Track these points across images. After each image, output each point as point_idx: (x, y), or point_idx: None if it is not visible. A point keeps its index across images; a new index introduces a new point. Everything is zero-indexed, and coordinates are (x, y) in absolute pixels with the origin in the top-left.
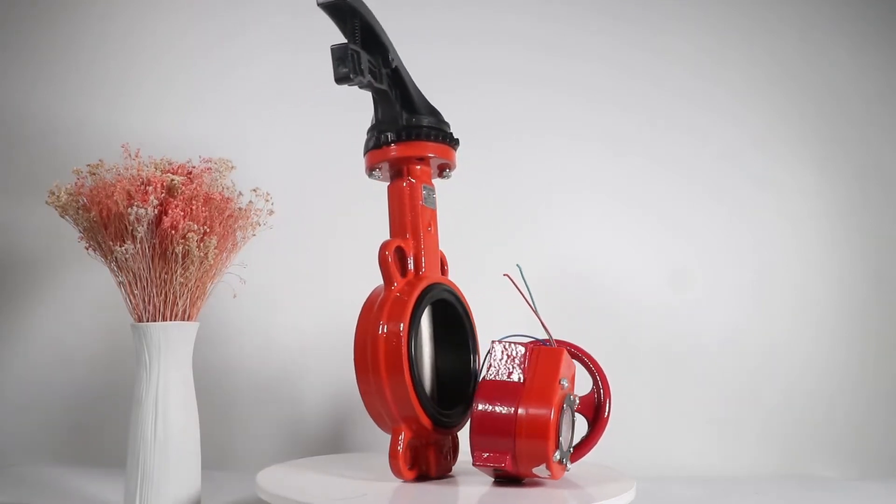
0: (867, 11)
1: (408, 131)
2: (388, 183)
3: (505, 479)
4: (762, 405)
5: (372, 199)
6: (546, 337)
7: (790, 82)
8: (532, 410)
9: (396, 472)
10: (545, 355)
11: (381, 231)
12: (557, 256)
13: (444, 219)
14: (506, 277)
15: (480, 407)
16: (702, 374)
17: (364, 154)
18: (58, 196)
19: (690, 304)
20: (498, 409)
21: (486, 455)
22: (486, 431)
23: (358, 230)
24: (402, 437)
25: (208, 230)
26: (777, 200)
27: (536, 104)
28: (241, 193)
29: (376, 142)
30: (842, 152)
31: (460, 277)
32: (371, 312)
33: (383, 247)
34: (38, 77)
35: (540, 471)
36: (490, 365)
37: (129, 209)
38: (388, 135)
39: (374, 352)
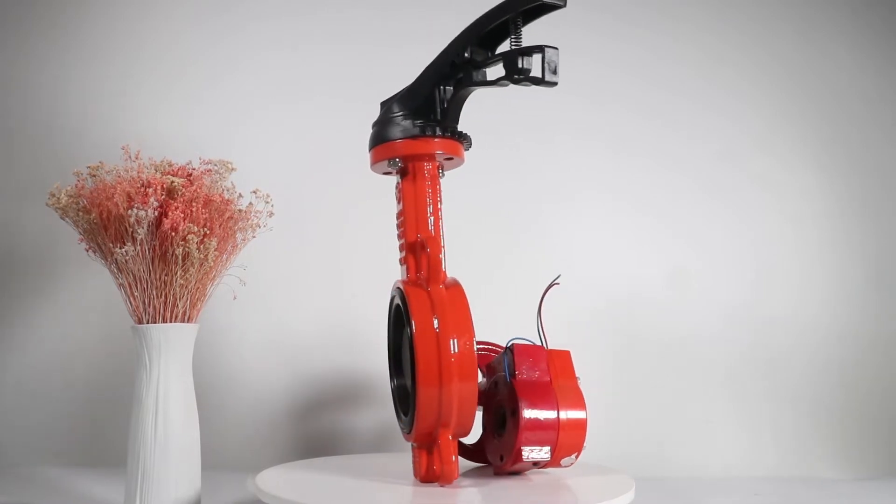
0: (867, 11)
1: (451, 129)
2: (407, 178)
3: (505, 474)
4: (763, 405)
5: (372, 200)
6: (541, 340)
7: (790, 82)
8: (571, 408)
9: (450, 476)
10: (557, 356)
11: (380, 231)
12: (558, 256)
13: (446, 219)
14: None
15: (528, 408)
16: (701, 374)
17: (393, 139)
18: (58, 198)
19: (689, 304)
20: (541, 408)
21: (531, 452)
22: (534, 429)
23: (358, 231)
24: (449, 440)
25: (208, 232)
26: (777, 200)
27: (536, 105)
28: (241, 195)
29: (418, 132)
30: (842, 152)
31: (460, 277)
32: (430, 315)
33: (433, 243)
34: (38, 78)
35: (568, 461)
36: (517, 366)
37: (130, 211)
38: (436, 128)
39: (447, 358)
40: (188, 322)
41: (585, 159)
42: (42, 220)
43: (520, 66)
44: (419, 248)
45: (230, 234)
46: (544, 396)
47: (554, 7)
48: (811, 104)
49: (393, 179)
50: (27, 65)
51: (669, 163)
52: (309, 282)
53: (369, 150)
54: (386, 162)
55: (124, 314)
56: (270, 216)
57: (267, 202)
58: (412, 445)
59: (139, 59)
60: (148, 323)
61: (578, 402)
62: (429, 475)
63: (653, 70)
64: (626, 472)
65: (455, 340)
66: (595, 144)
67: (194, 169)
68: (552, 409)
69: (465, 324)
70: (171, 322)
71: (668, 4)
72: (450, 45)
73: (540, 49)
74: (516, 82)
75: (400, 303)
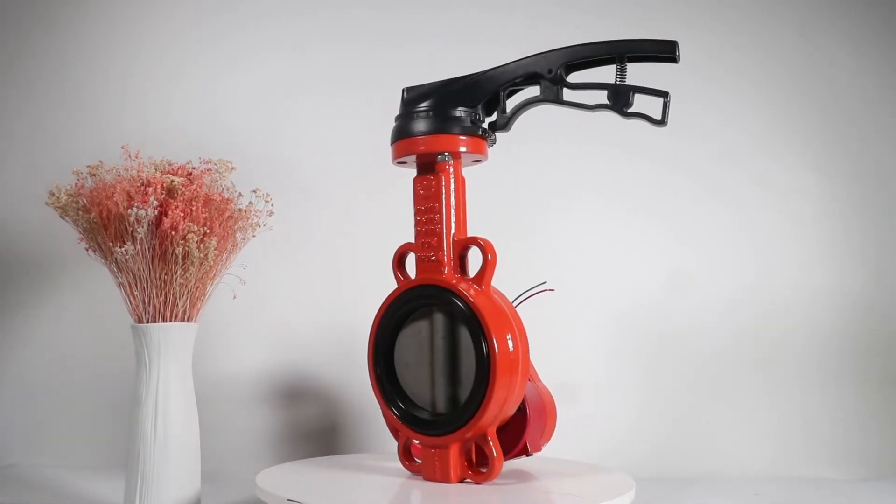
0: (867, 11)
1: (494, 133)
2: (447, 174)
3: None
4: (762, 406)
5: (371, 200)
6: None
7: (790, 82)
8: (550, 401)
9: (500, 470)
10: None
11: (380, 231)
12: (558, 257)
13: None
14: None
15: (532, 404)
16: (701, 374)
17: (449, 134)
18: (58, 197)
19: (689, 305)
20: (538, 404)
21: (534, 443)
22: (537, 423)
23: (358, 230)
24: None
25: (208, 231)
26: (777, 200)
27: (535, 106)
28: (240, 194)
29: (481, 132)
30: (842, 152)
31: None
32: (510, 317)
33: (490, 245)
34: (38, 77)
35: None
36: None
37: (129, 210)
38: (492, 131)
39: (515, 353)
40: (188, 321)
41: (584, 159)
42: (42, 219)
43: (632, 101)
44: (463, 248)
45: (230, 234)
46: (536, 392)
47: (667, 60)
48: (811, 104)
49: (402, 175)
50: (27, 64)
51: (669, 163)
52: (309, 282)
53: (415, 136)
54: (436, 155)
55: (124, 313)
56: (270, 216)
57: (267, 202)
58: (421, 448)
59: (139, 59)
60: (148, 322)
61: (550, 395)
62: (466, 473)
63: (652, 70)
64: (626, 472)
65: (518, 338)
66: (593, 145)
67: (194, 168)
68: (541, 403)
69: (520, 323)
70: (170, 321)
71: (667, 5)
72: (534, 58)
73: (664, 94)
74: (625, 116)
75: (452, 301)
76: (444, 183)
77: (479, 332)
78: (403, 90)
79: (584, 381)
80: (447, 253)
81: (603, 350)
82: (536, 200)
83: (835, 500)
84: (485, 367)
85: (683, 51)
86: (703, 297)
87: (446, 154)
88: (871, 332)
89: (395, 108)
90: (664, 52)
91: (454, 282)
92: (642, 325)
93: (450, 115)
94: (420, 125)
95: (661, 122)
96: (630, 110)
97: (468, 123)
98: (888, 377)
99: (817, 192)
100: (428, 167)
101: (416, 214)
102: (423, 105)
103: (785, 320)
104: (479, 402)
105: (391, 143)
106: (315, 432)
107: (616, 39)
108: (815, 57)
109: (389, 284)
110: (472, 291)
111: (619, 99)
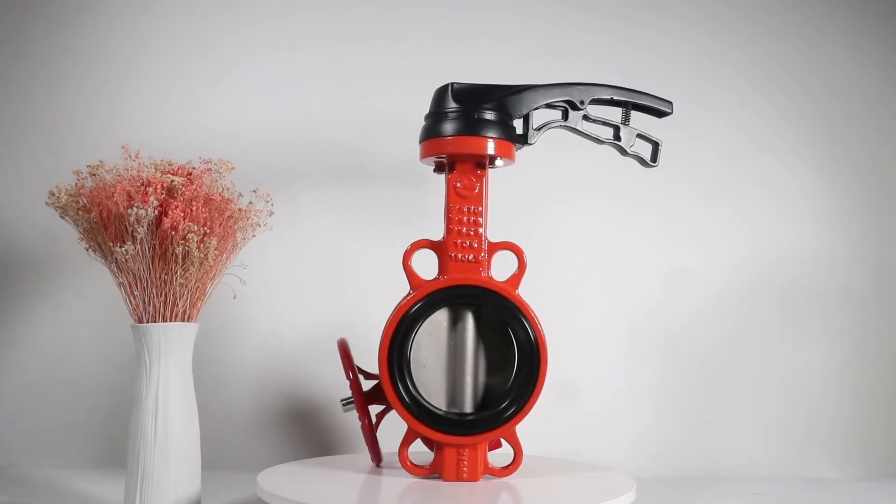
0: (867, 11)
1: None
2: (485, 178)
3: None
4: (762, 406)
5: (372, 199)
6: None
7: (790, 82)
8: None
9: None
10: None
11: (380, 232)
12: (557, 257)
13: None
14: None
15: None
16: (700, 375)
17: (498, 138)
18: (58, 197)
19: (688, 305)
20: None
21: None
22: None
23: (357, 231)
24: None
25: (208, 231)
26: (777, 200)
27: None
28: (241, 194)
29: (514, 139)
30: (842, 152)
31: None
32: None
33: (520, 249)
34: (38, 77)
35: None
36: None
37: (130, 210)
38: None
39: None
40: (188, 321)
41: (583, 159)
42: (42, 219)
43: (633, 142)
44: (496, 251)
45: (230, 234)
46: None
47: (661, 114)
48: (811, 104)
49: (403, 175)
50: (27, 64)
51: (669, 163)
52: (309, 282)
53: (468, 134)
54: (489, 160)
55: (124, 313)
56: (270, 216)
57: (267, 202)
58: (437, 446)
59: (139, 59)
60: (148, 322)
61: None
62: (489, 469)
63: (651, 70)
64: (626, 472)
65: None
66: (592, 145)
67: (194, 168)
68: None
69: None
70: (171, 321)
71: (667, 5)
72: (568, 86)
73: (657, 143)
74: (624, 154)
75: (497, 303)
76: (485, 185)
77: (532, 333)
78: (449, 85)
79: (583, 382)
80: (486, 254)
81: (602, 350)
82: (535, 201)
83: (835, 499)
84: (536, 367)
85: (684, 49)
86: (702, 297)
87: (502, 158)
88: (872, 333)
89: (395, 108)
90: (661, 107)
91: (502, 284)
92: (642, 326)
93: (509, 122)
94: (482, 127)
95: (653, 164)
96: (630, 149)
97: (518, 131)
98: (889, 378)
99: (817, 192)
100: (473, 167)
101: (451, 213)
102: (481, 106)
103: (783, 320)
104: (527, 399)
105: (436, 138)
106: (315, 432)
107: (631, 89)
108: (816, 57)
109: (391, 284)
110: (512, 292)
111: (623, 138)
